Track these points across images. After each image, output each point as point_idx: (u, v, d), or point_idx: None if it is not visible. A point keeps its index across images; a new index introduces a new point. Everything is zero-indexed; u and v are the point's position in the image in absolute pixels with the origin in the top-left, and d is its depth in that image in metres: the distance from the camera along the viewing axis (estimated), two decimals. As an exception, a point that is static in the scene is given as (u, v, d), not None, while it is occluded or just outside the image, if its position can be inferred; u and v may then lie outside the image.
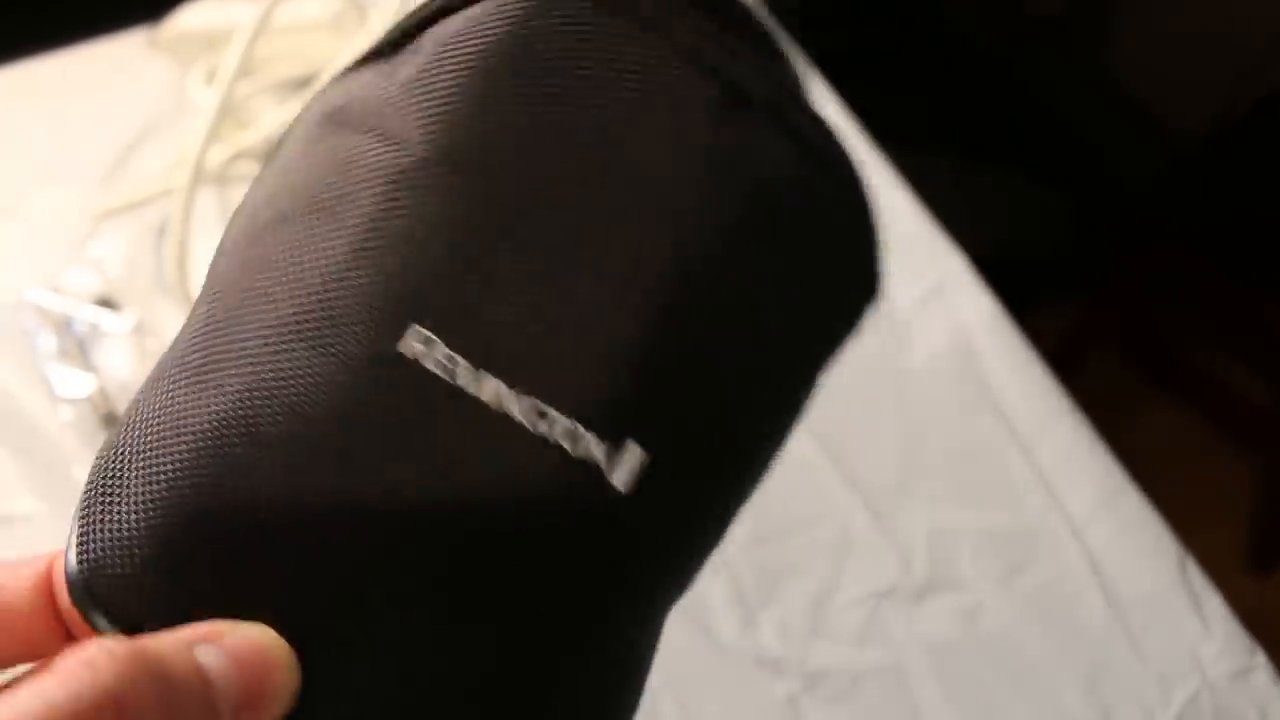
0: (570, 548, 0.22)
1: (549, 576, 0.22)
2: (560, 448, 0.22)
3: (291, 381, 0.21)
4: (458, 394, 0.21)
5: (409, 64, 0.25)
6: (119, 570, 0.21)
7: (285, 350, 0.22)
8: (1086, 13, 1.43)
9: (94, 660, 0.17)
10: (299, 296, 0.22)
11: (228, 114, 0.60)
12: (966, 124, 1.43)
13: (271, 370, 0.22)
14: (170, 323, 0.61)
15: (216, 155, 0.63)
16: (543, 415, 0.22)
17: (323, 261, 0.23)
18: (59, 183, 0.68)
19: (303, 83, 0.66)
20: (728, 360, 0.24)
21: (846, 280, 0.28)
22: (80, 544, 0.22)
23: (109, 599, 0.21)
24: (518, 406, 0.22)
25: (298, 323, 0.22)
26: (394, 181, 0.23)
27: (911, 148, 0.73)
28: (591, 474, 0.22)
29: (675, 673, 0.50)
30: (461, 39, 0.25)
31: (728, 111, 0.24)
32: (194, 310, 0.24)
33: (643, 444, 0.22)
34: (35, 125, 0.72)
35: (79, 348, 0.59)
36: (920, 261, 0.64)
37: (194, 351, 0.23)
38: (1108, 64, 1.42)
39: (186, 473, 0.21)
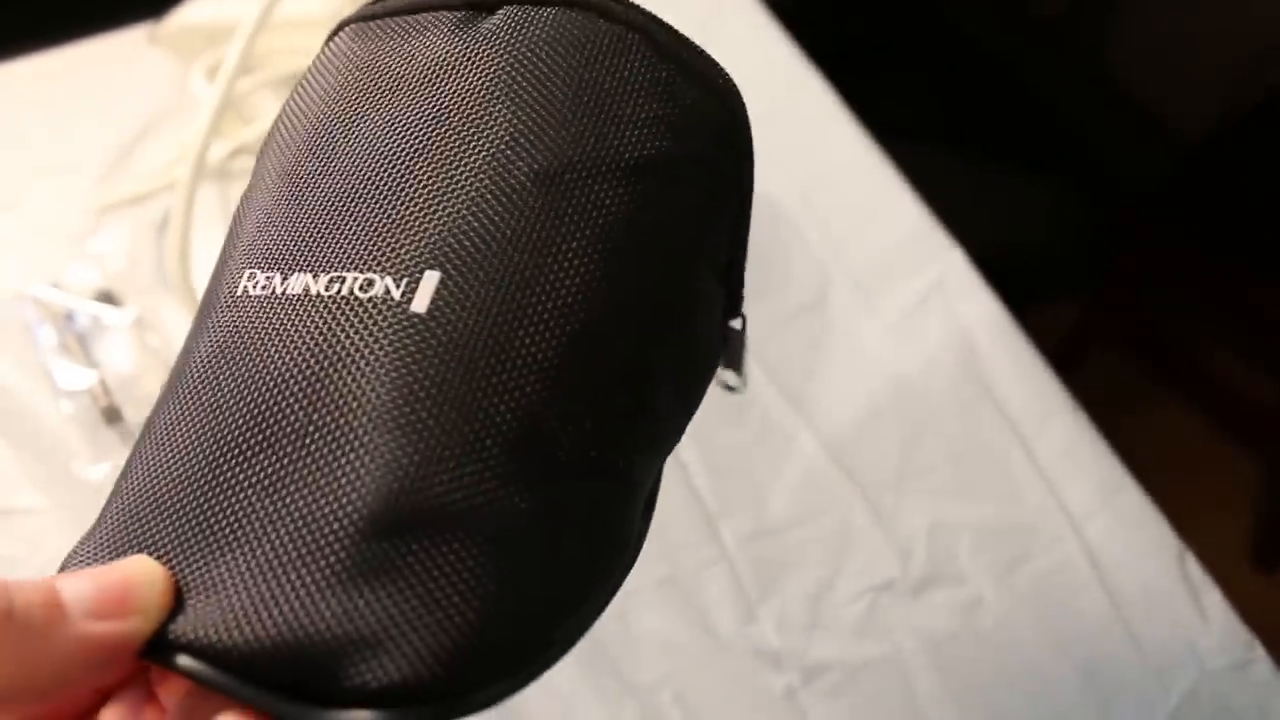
0: (385, 372, 0.25)
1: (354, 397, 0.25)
2: (354, 299, 0.25)
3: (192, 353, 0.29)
4: (269, 298, 0.27)
5: None
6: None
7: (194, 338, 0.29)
8: (1088, 12, 1.43)
9: None
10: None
11: (229, 109, 0.60)
12: (968, 123, 1.43)
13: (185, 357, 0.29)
14: (171, 317, 0.61)
15: (218, 150, 0.63)
16: (338, 281, 0.26)
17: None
18: (60, 177, 0.68)
19: (304, 78, 0.66)
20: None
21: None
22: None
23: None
24: (316, 283, 0.26)
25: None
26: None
27: (912, 146, 0.73)
28: (389, 305, 0.25)
29: (675, 666, 0.50)
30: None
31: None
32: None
33: (439, 270, 0.26)
34: (37, 120, 0.73)
35: (80, 342, 0.59)
36: (921, 259, 0.64)
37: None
38: (1109, 63, 1.42)
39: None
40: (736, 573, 0.53)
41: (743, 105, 0.32)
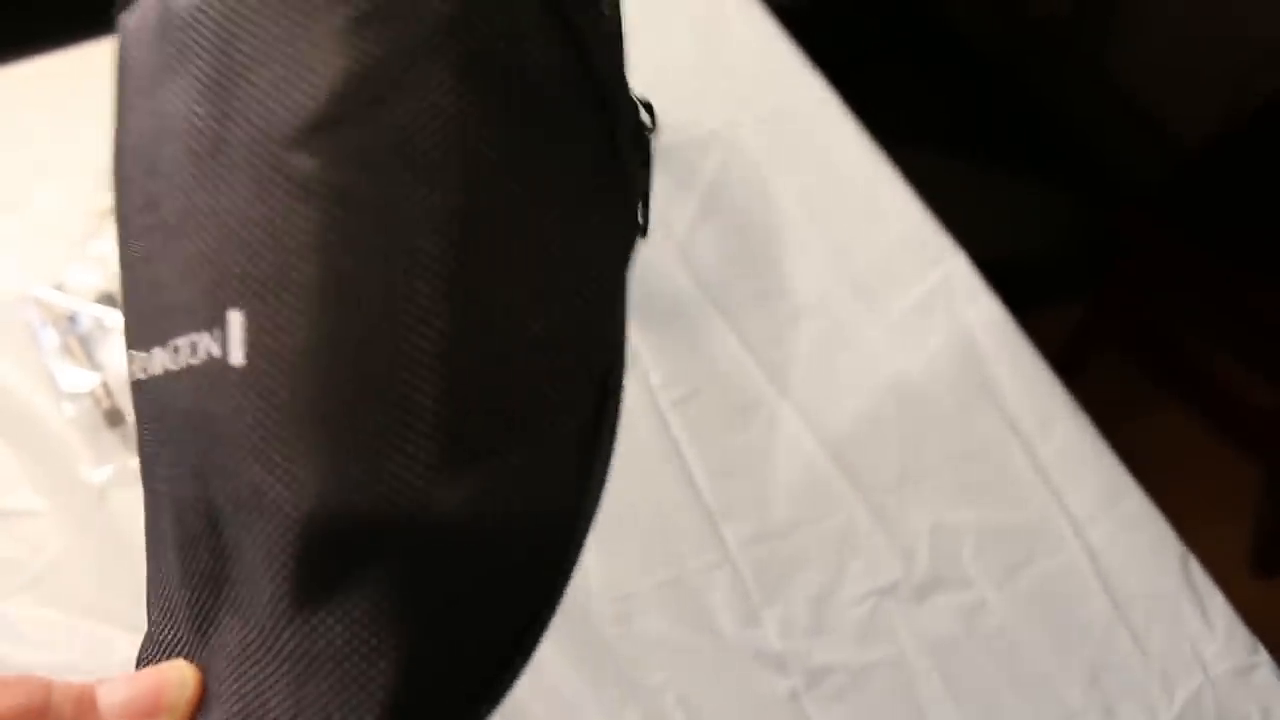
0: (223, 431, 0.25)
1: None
2: (192, 366, 0.25)
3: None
4: (148, 381, 0.26)
5: None
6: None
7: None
8: (1090, 16, 1.43)
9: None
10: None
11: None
12: (970, 126, 1.43)
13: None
14: (173, 319, 0.61)
15: (220, 152, 0.63)
16: (176, 350, 0.25)
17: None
18: (62, 180, 0.68)
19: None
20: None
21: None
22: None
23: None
24: (163, 360, 0.26)
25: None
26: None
27: (914, 150, 0.73)
28: (216, 365, 0.24)
29: (678, 669, 0.50)
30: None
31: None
32: None
33: (241, 308, 0.24)
34: (39, 122, 0.72)
35: (82, 344, 0.59)
36: (923, 262, 0.64)
37: None
38: (1111, 67, 1.43)
39: None
40: (739, 576, 0.53)
41: None
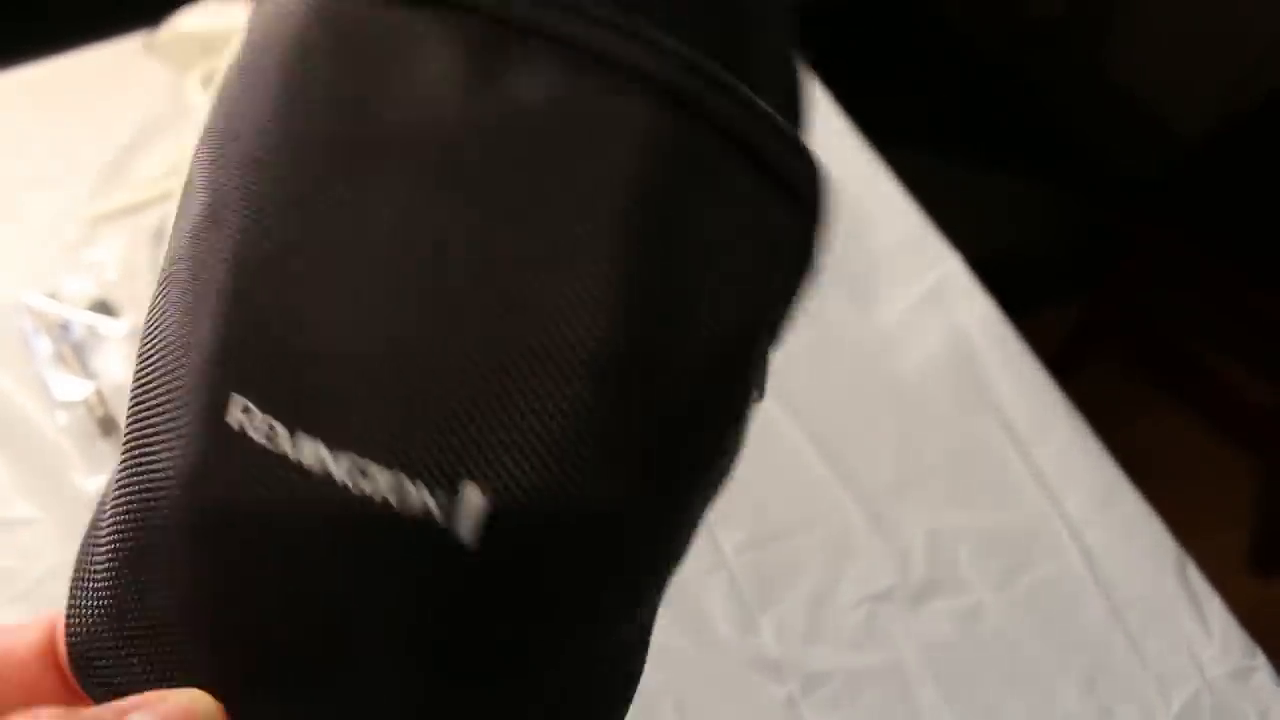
0: (416, 611, 0.21)
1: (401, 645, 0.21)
2: (387, 503, 0.20)
3: (160, 467, 0.22)
4: (282, 461, 0.21)
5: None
6: (98, 646, 0.23)
7: (159, 439, 0.23)
8: (1087, 13, 1.43)
9: None
10: (166, 370, 0.23)
11: (224, 118, 0.60)
12: (966, 125, 1.43)
13: (150, 462, 0.23)
14: (167, 327, 0.60)
15: (213, 159, 0.63)
16: (364, 473, 0.20)
17: (170, 331, 0.23)
18: (56, 187, 0.68)
19: (300, 86, 0.66)
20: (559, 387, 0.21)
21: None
22: (70, 616, 0.24)
23: (93, 670, 0.23)
24: (338, 467, 0.20)
25: (162, 403, 0.23)
26: (196, 232, 0.23)
27: (910, 149, 0.73)
28: (428, 527, 0.20)
29: (674, 675, 0.50)
30: (251, 51, 0.23)
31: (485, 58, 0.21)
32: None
33: (482, 484, 0.20)
34: (32, 129, 0.72)
35: (76, 352, 0.59)
36: (918, 264, 0.64)
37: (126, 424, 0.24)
38: (1108, 65, 1.43)
39: (109, 579, 0.23)
40: (735, 581, 0.52)
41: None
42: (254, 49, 0.23)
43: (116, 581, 0.23)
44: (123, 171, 0.69)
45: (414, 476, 0.20)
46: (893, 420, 0.58)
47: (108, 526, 0.24)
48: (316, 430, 0.21)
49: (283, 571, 0.21)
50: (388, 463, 0.20)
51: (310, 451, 0.20)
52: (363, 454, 0.20)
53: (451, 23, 0.21)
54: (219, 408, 0.21)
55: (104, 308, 0.61)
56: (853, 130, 0.70)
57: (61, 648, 0.24)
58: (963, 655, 0.51)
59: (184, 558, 0.22)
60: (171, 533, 0.22)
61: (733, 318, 0.22)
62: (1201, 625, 0.51)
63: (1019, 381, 0.59)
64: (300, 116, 0.22)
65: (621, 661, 0.25)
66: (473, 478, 0.20)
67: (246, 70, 0.23)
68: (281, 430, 0.21)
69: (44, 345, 0.59)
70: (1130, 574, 0.52)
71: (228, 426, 0.21)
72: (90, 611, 0.23)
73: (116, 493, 0.24)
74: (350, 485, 0.20)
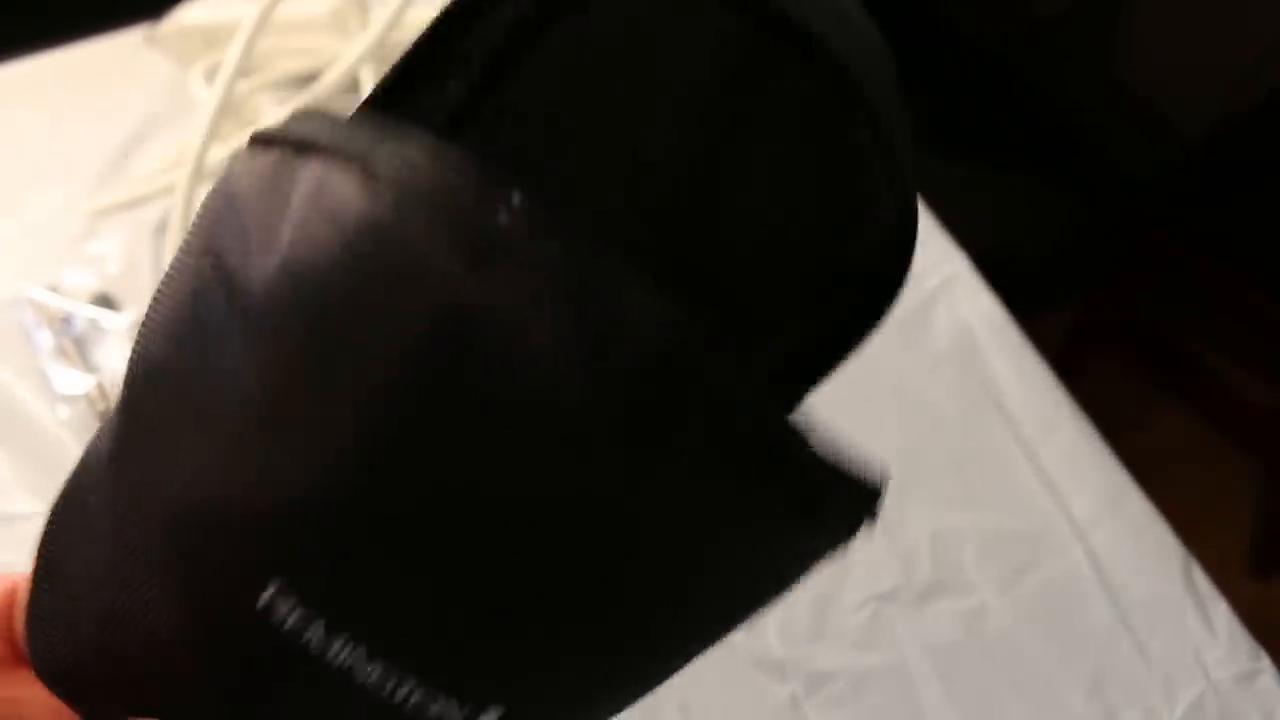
0: None
1: None
2: (407, 706, 0.21)
3: (152, 613, 0.21)
4: (311, 658, 0.20)
5: (284, 227, 0.20)
6: (58, 656, 0.23)
7: (149, 577, 0.21)
8: (1090, 12, 1.43)
9: None
10: (172, 504, 0.21)
11: (228, 112, 0.60)
12: (969, 123, 1.43)
13: (137, 595, 0.21)
14: (169, 321, 0.60)
15: (217, 153, 0.63)
16: (399, 684, 0.20)
17: (187, 474, 0.21)
18: (58, 180, 0.68)
19: (304, 80, 0.65)
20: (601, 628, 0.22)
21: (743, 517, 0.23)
22: (31, 613, 0.24)
23: (53, 675, 0.23)
24: (371, 673, 0.20)
25: (167, 548, 0.21)
26: (252, 418, 0.20)
27: (913, 148, 0.73)
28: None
29: (678, 675, 0.50)
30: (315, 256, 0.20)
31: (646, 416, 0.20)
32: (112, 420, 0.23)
33: (503, 707, 0.21)
34: (35, 123, 0.72)
35: (77, 346, 0.59)
36: (923, 262, 0.64)
37: (102, 487, 0.23)
38: (1111, 63, 1.42)
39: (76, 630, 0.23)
40: (739, 581, 0.52)
41: None
42: None
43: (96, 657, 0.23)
44: (124, 165, 0.69)
45: (449, 695, 0.21)
46: (897, 420, 0.58)
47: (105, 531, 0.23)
48: (354, 633, 0.20)
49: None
50: (426, 680, 0.21)
51: (344, 653, 0.20)
52: (401, 666, 0.20)
53: None
54: (250, 592, 0.20)
55: (106, 301, 0.61)
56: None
57: (19, 614, 0.24)
58: (967, 656, 0.50)
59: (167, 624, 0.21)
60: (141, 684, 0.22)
61: None
62: (1207, 628, 0.50)
63: (1025, 382, 0.59)
64: None
65: None
66: (499, 703, 0.21)
67: None
68: (316, 625, 0.20)
69: (45, 339, 0.59)
70: (1136, 576, 0.52)
71: (257, 611, 0.20)
72: (57, 626, 0.23)
73: (118, 487, 0.22)
74: (383, 691, 0.21)
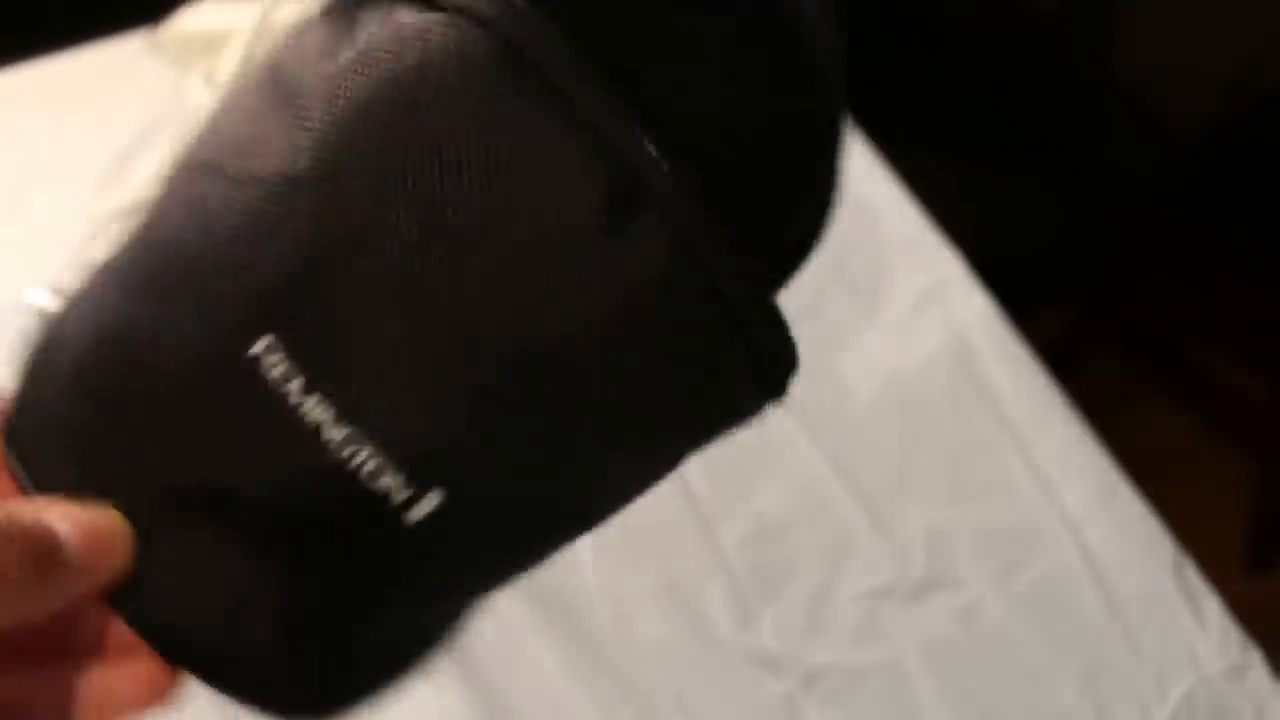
0: (349, 547, 0.24)
1: (330, 561, 0.24)
2: (360, 472, 0.23)
3: (147, 340, 0.24)
4: (286, 408, 0.23)
5: (348, 46, 0.24)
6: (30, 440, 0.25)
7: (154, 305, 0.24)
8: (1086, 11, 1.44)
9: None
10: (189, 259, 0.24)
11: (228, 116, 0.60)
12: (965, 123, 1.43)
13: (134, 321, 0.24)
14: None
15: (216, 157, 0.63)
16: (357, 449, 0.23)
17: (217, 234, 0.24)
18: (59, 185, 0.68)
19: (302, 85, 0.66)
20: (553, 440, 0.24)
21: (717, 391, 0.27)
22: (16, 402, 0.26)
23: (25, 459, 0.25)
24: (336, 434, 0.23)
25: (175, 282, 0.24)
26: (284, 184, 0.23)
27: (909, 148, 0.74)
28: (383, 504, 0.23)
29: (674, 671, 0.50)
30: (382, 54, 0.24)
31: (615, 210, 0.23)
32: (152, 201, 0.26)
33: (444, 492, 0.23)
34: (37, 128, 0.73)
35: (80, 349, 0.59)
36: (917, 262, 0.64)
37: (119, 260, 0.26)
38: (1107, 62, 1.43)
39: (67, 392, 0.25)
40: (735, 577, 0.53)
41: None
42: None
43: (79, 391, 0.25)
44: (126, 169, 0.70)
45: (392, 464, 0.23)
46: (892, 417, 0.58)
47: (61, 348, 0.26)
48: (326, 394, 0.23)
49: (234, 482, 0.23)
50: (377, 443, 0.23)
51: (314, 410, 0.23)
52: (364, 429, 0.23)
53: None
54: (245, 338, 0.23)
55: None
56: (852, 129, 0.71)
57: None
58: (961, 651, 0.51)
59: (135, 440, 0.24)
60: (148, 384, 0.24)
61: None
62: (1198, 623, 0.51)
63: (1018, 380, 0.59)
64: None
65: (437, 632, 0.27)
66: (441, 485, 0.23)
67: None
68: (295, 379, 0.23)
69: (48, 342, 0.59)
70: (1128, 571, 0.53)
71: (248, 357, 0.23)
72: (43, 400, 0.25)
73: (83, 307, 0.26)
74: (334, 447, 0.23)
